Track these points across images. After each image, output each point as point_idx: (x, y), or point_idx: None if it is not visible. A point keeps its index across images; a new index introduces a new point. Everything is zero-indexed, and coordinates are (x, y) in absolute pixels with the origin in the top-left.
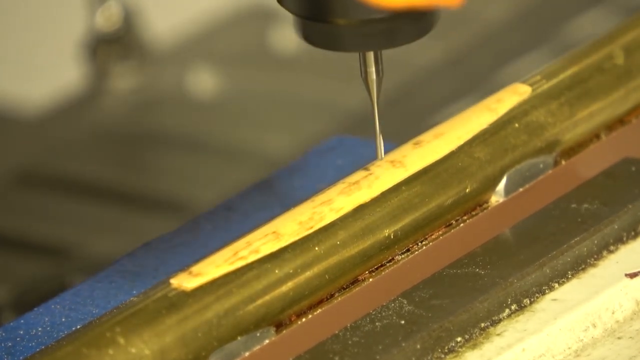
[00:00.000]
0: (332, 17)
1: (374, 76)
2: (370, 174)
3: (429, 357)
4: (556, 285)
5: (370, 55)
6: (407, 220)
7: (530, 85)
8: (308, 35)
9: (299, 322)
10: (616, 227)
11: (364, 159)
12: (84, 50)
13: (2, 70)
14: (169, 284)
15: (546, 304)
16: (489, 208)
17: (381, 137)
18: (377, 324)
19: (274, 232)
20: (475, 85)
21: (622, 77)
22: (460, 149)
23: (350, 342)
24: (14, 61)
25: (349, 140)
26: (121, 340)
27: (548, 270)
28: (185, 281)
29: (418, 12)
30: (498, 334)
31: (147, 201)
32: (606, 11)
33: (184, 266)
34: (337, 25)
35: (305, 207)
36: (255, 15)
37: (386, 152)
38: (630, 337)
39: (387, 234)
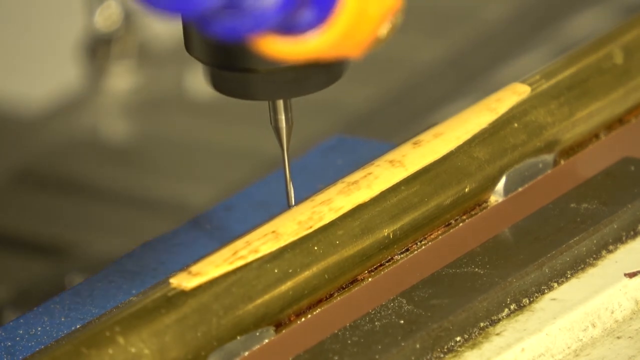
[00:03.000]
0: (241, 66)
1: (283, 124)
2: (370, 173)
3: (429, 357)
4: (555, 284)
5: (280, 104)
6: (406, 219)
7: (530, 84)
8: (217, 84)
9: (299, 322)
10: (615, 226)
11: (364, 159)
12: (84, 50)
13: (2, 70)
14: (169, 283)
15: (545, 303)
16: (488, 208)
17: (291, 184)
18: (376, 323)
19: (273, 232)
20: (474, 85)
21: (621, 76)
22: (460, 148)
23: (349, 341)
24: (14, 61)
25: (349, 140)
26: (121, 340)
27: (547, 270)
28: (184, 281)
29: (325, 61)
30: (497, 334)
31: (147, 201)
32: (606, 11)
33: (183, 266)
34: (245, 75)
35: (305, 207)
36: None
37: (385, 151)
38: (630, 337)
39: (386, 234)
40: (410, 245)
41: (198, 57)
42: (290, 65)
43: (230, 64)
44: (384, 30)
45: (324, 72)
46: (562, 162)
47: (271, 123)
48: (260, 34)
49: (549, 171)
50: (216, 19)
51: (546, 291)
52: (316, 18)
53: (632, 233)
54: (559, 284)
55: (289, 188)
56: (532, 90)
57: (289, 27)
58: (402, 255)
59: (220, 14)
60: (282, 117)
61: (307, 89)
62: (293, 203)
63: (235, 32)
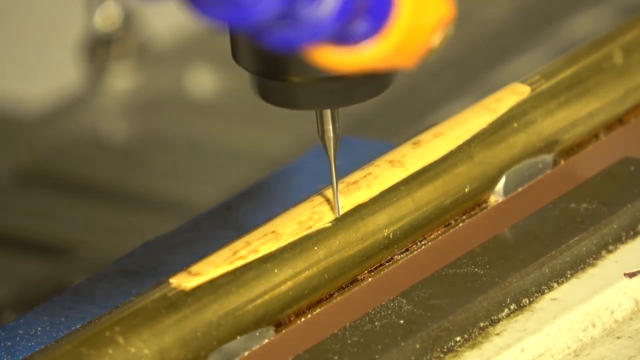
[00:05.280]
0: (288, 75)
1: (331, 134)
2: (369, 173)
3: (428, 357)
4: (555, 284)
5: (327, 113)
6: (406, 220)
7: (530, 85)
8: (264, 93)
9: (298, 322)
10: (615, 226)
11: (364, 159)
12: (83, 50)
13: (2, 70)
14: (169, 283)
15: (545, 303)
16: (488, 208)
17: (338, 195)
18: (376, 323)
19: (273, 232)
20: (474, 85)
21: (621, 76)
22: (460, 148)
23: (349, 341)
24: (14, 61)
25: (348, 140)
26: (120, 340)
27: (547, 270)
28: (184, 281)
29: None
30: (497, 334)
31: (147, 201)
32: (606, 11)
33: (183, 266)
34: (293, 84)
35: (305, 207)
36: None
37: (385, 152)
38: (629, 337)
39: (386, 234)
40: (410, 245)
41: (245, 67)
42: (338, 75)
43: (278, 74)
44: (436, 40)
45: (372, 81)
46: (562, 162)
47: (318, 133)
48: (315, 44)
49: (549, 171)
50: (271, 29)
51: (546, 291)
52: (371, 28)
53: (632, 233)
54: (559, 284)
55: (335, 198)
56: (532, 90)
57: (343, 37)
58: (402, 255)
59: (276, 24)
60: (330, 127)
61: (355, 99)
62: (340, 214)
63: (290, 42)
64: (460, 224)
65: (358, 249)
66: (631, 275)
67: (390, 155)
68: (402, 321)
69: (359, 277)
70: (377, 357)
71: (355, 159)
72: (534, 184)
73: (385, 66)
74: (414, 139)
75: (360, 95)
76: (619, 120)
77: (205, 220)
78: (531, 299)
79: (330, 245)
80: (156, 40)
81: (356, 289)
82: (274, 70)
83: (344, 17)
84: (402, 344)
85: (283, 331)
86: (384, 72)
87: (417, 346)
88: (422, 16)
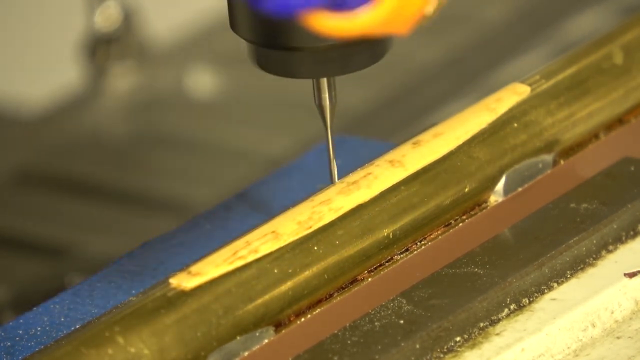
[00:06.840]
0: (285, 44)
1: (327, 102)
2: (369, 173)
3: (428, 357)
4: (555, 284)
5: (324, 82)
6: (406, 219)
7: (530, 84)
8: (261, 62)
9: (298, 322)
10: (615, 226)
11: (364, 159)
12: (83, 50)
13: (2, 70)
14: (168, 283)
15: (545, 303)
16: (488, 208)
17: (334, 162)
18: (376, 323)
19: (273, 232)
20: (474, 85)
21: (621, 76)
22: (459, 148)
23: (349, 341)
24: (14, 61)
25: (348, 140)
26: (120, 340)
27: (547, 270)
28: (184, 281)
29: (370, 39)
30: (497, 334)
31: (146, 201)
32: (606, 11)
33: (183, 266)
34: (290, 53)
35: (305, 207)
36: None
37: (385, 151)
38: (629, 337)
39: (386, 234)
40: (410, 245)
41: (243, 36)
42: (334, 44)
43: (276, 43)
44: (430, 7)
45: (367, 50)
46: (562, 162)
47: (315, 101)
48: (311, 9)
49: (549, 171)
50: None
51: (546, 291)
52: None
53: (632, 233)
54: (559, 284)
55: (332, 166)
56: (532, 90)
57: (339, 3)
58: (402, 255)
59: None
60: (326, 96)
61: (351, 67)
62: (336, 180)
63: (288, 7)
64: (460, 224)
65: (358, 249)
66: (631, 275)
67: (390, 155)
68: (402, 321)
69: (359, 277)
70: (377, 357)
71: (355, 159)
72: (534, 184)
73: (380, 32)
74: (414, 139)
75: (356, 64)
76: (619, 120)
77: (205, 221)
78: (531, 299)
79: (330, 246)
80: (156, 40)
81: (356, 289)
82: (272, 39)
83: None
84: (402, 344)
85: (283, 331)
86: (378, 41)
87: (417, 346)
88: None
